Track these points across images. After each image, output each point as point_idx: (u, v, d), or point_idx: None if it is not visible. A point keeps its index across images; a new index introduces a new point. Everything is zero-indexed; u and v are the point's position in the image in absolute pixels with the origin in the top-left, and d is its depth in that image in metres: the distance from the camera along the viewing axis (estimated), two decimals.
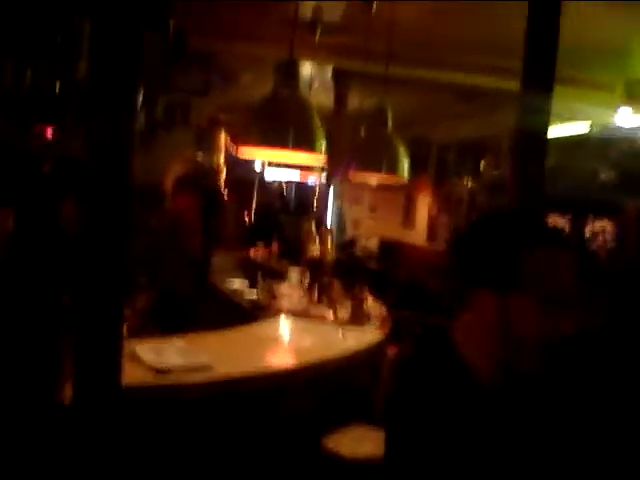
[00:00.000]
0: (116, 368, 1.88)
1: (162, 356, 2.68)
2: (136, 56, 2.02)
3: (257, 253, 7.13)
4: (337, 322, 3.62)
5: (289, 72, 3.14)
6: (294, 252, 6.51)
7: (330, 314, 4.01)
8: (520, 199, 2.02)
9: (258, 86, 3.34)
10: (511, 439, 1.16)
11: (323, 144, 3.16)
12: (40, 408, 1.99)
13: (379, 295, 5.84)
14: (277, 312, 4.17)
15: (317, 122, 3.24)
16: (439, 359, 1.19)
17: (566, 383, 1.29)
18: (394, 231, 10.06)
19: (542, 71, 1.91)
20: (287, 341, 3.41)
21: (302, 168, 8.61)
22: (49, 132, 4.79)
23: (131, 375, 2.42)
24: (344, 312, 3.67)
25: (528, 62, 1.93)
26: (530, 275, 1.13)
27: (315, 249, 4.91)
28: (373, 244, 9.96)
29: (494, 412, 1.16)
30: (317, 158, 3.18)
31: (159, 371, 2.51)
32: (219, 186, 9.12)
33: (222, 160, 9.31)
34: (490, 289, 1.14)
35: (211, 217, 7.43)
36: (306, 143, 3.11)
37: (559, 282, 1.13)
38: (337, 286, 4.57)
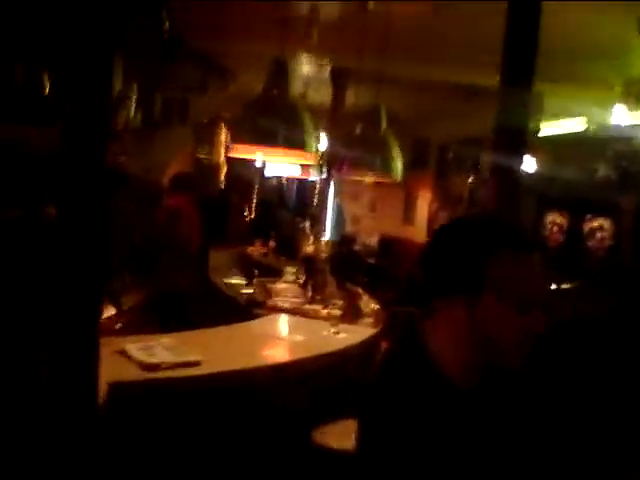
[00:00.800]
0: (92, 365, 1.88)
1: (151, 353, 2.69)
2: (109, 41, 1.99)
3: (255, 250, 7.14)
4: (330, 319, 3.62)
5: (279, 71, 3.14)
6: (290, 249, 6.53)
7: (323, 311, 4.02)
8: (499, 195, 2.02)
9: (258, 84, 3.34)
10: (488, 439, 1.17)
11: (314, 143, 3.17)
12: (19, 407, 1.99)
13: (377, 291, 5.85)
14: (272, 309, 4.18)
15: (308, 121, 3.24)
16: (414, 361, 1.19)
17: (543, 379, 1.30)
18: (394, 228, 10.06)
19: (521, 69, 1.91)
20: (280, 337, 3.42)
21: (300, 164, 8.61)
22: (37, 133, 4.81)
23: (121, 372, 2.45)
24: (338, 309, 3.68)
25: (507, 60, 1.93)
26: (497, 279, 1.13)
27: (310, 246, 4.92)
28: (373, 241, 9.97)
29: (470, 414, 1.16)
30: (307, 156, 3.19)
31: (148, 367, 2.52)
32: (219, 183, 9.14)
33: (223, 157, 9.33)
34: (458, 295, 1.15)
35: (210, 214, 7.47)
36: (295, 142, 3.12)
37: (527, 283, 1.13)
38: (331, 283, 4.58)
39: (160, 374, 2.53)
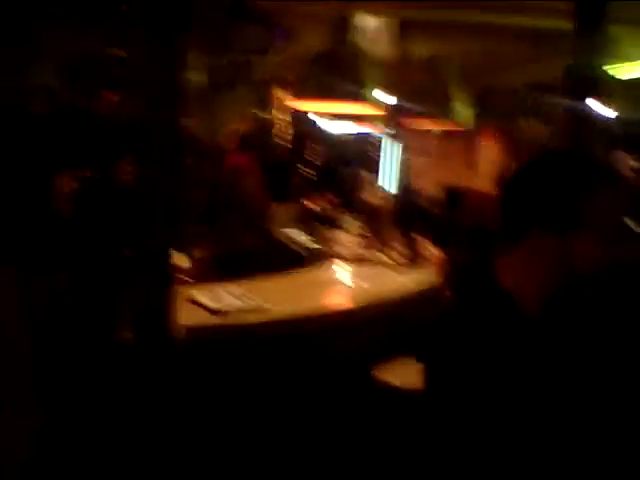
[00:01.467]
0: (168, 309, 2.02)
1: (219, 299, 2.82)
2: (184, 13, 2.10)
3: (318, 203, 7.18)
4: (392, 265, 3.66)
5: (341, 27, 3.15)
6: (355, 202, 6.53)
7: (385, 258, 4.06)
8: (572, 141, 2.00)
9: (319, 43, 3.37)
10: (554, 368, 1.20)
11: (378, 95, 3.18)
12: (103, 347, 2.16)
13: (443, 240, 5.80)
14: (332, 258, 4.25)
15: (372, 74, 3.25)
16: (482, 290, 1.23)
17: (616, 314, 1.32)
18: (460, 178, 9.88)
19: (595, 11, 1.86)
20: (341, 284, 3.50)
21: (362, 118, 8.53)
22: (113, 98, 4.98)
23: (190, 317, 2.59)
24: (399, 256, 3.71)
25: (580, 2, 1.88)
26: (592, 212, 1.16)
27: (374, 198, 4.93)
28: (439, 192, 9.82)
29: (538, 341, 1.20)
30: (372, 109, 3.20)
31: (216, 312, 2.66)
32: (282, 142, 9.20)
33: (287, 117, 9.36)
34: (544, 227, 1.18)
35: (273, 172, 7.55)
36: (359, 95, 3.15)
37: (614, 218, 1.17)
38: (395, 233, 4.60)
39: (228, 319, 2.65)
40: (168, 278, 2.12)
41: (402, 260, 3.65)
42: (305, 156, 9.82)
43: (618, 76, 6.01)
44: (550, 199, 1.17)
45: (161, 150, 2.11)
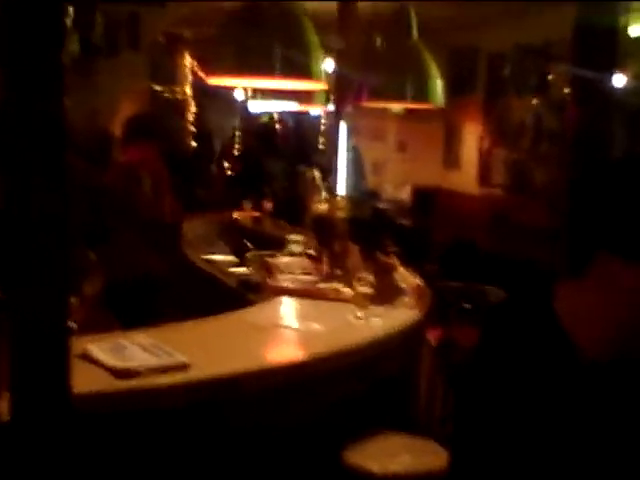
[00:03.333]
0: (63, 372, 1.99)
1: (124, 355, 2.80)
2: None
3: (244, 215, 7.25)
4: (356, 300, 3.73)
5: None
6: (294, 210, 6.60)
7: (346, 290, 4.12)
8: (584, 117, 2.10)
9: None
10: (605, 426, 1.25)
11: (322, 65, 3.24)
12: None
13: (415, 261, 5.92)
14: (275, 291, 4.29)
15: (313, 37, 3.30)
16: (534, 320, 1.28)
17: None
18: (432, 174, 10.08)
19: None
20: (290, 328, 3.53)
21: (300, 96, 8.62)
22: None
23: (84, 381, 2.55)
24: (365, 286, 3.78)
25: None
26: None
27: (321, 204, 5.01)
28: (404, 194, 10.03)
29: (595, 390, 1.25)
30: (311, 83, 3.26)
31: (120, 374, 2.64)
32: (188, 127, 9.22)
33: (189, 92, 9.37)
34: (618, 253, 1.22)
35: (180, 170, 7.55)
36: (298, 67, 3.19)
37: None
38: (354, 252, 4.68)
39: (139, 382, 2.64)
40: (59, 327, 2.09)
41: (366, 290, 3.72)
42: (221, 148, 9.90)
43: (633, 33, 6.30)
44: (626, 217, 1.22)
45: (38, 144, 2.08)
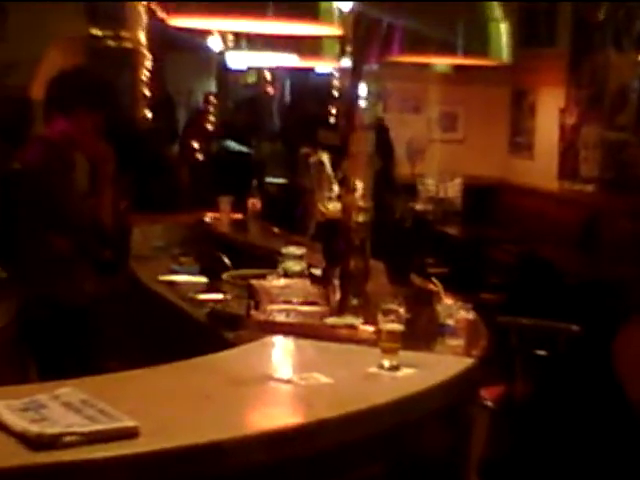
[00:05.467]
0: None
1: (42, 416, 2.81)
2: None
3: (221, 217, 7.26)
4: (380, 342, 3.73)
5: None
6: (290, 213, 6.59)
7: (365, 327, 4.13)
8: None
9: None
10: None
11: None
12: None
13: (468, 287, 5.92)
14: (262, 328, 4.30)
15: None
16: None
17: None
18: (493, 163, 10.05)
19: None
20: (283, 382, 3.53)
21: (302, 46, 8.60)
22: None
23: None
24: (394, 322, 3.78)
25: None
26: None
27: (331, 203, 5.00)
28: (453, 190, 10.01)
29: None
30: (321, 27, 3.28)
31: (37, 443, 2.64)
32: (140, 90, 9.25)
33: (143, 39, 9.38)
34: None
35: (129, 151, 7.58)
36: (299, 2, 3.22)
37: None
38: (378, 273, 4.68)
39: (64, 454, 2.65)
40: None
41: (395, 328, 3.73)
42: (188, 122, 9.87)
43: None
44: None
45: None
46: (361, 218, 4.54)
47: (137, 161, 8.46)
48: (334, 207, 4.90)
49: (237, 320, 4.55)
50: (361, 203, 4.58)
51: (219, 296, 5.26)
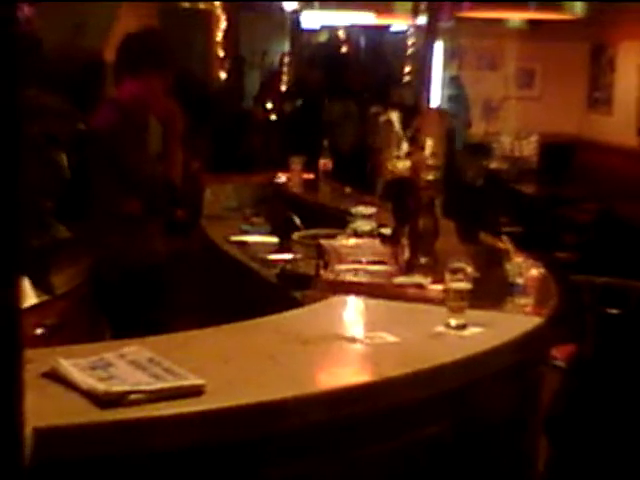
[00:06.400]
0: (10, 397, 2.03)
1: (111, 375, 2.85)
2: None
3: (291, 178, 7.27)
4: (448, 301, 3.72)
5: None
6: (362, 170, 6.57)
7: (434, 286, 4.13)
8: None
9: None
10: None
11: None
12: None
13: (542, 246, 5.88)
14: (331, 287, 4.32)
15: None
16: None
17: None
18: (571, 120, 9.94)
19: None
20: (350, 340, 3.55)
21: (377, 4, 8.57)
22: None
23: (51, 410, 2.62)
24: (462, 281, 3.77)
25: None
26: None
27: (401, 161, 4.99)
28: (529, 148, 9.92)
29: None
30: None
31: (104, 400, 2.69)
32: (214, 51, 9.27)
33: (217, 1, 9.39)
34: None
35: (202, 112, 7.61)
36: None
37: None
38: (448, 232, 4.66)
39: (131, 412, 2.69)
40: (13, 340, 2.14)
41: (464, 287, 3.72)
42: (265, 81, 9.86)
43: None
44: None
45: None
46: (430, 176, 4.53)
47: (210, 122, 8.51)
48: (403, 165, 4.89)
49: (306, 280, 4.57)
50: (430, 161, 4.56)
51: (289, 256, 5.28)
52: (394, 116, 5.47)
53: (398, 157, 5.03)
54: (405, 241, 4.57)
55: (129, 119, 5.00)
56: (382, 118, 5.56)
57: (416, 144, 4.73)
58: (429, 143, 4.62)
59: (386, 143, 5.33)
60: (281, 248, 5.57)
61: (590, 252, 7.50)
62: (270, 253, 5.51)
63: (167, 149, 5.15)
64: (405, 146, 5.07)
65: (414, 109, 6.14)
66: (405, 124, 6.03)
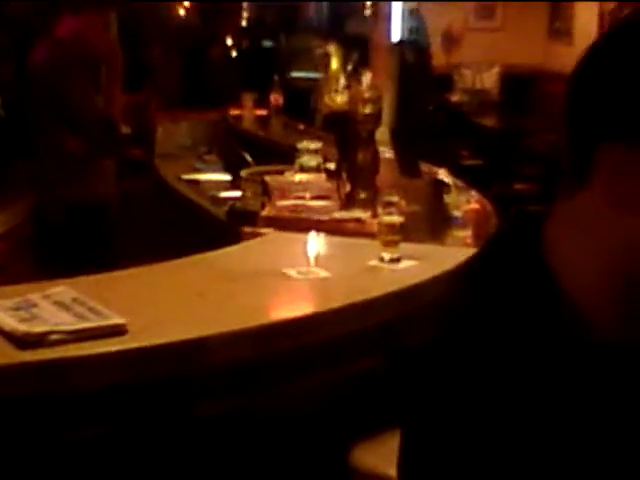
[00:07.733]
0: None
1: (34, 315, 2.85)
2: None
3: (243, 114, 7.25)
4: (384, 234, 3.72)
5: None
6: (311, 105, 6.53)
7: (372, 220, 4.13)
8: None
9: None
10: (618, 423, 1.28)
11: None
12: None
13: (501, 178, 5.86)
14: (275, 222, 4.35)
15: None
16: (519, 279, 1.30)
17: None
18: (531, 51, 9.88)
19: None
20: (284, 275, 3.55)
21: None
22: None
23: None
24: (398, 213, 3.76)
25: None
26: None
27: (339, 96, 4.97)
28: (490, 81, 9.89)
29: (600, 382, 1.27)
30: None
31: (24, 341, 2.70)
32: None
33: None
34: (619, 137, 1.22)
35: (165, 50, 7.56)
36: None
37: None
38: (388, 164, 4.65)
39: (51, 352, 2.69)
40: None
41: (396, 220, 3.72)
42: (217, 19, 9.77)
43: None
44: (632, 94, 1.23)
45: None
46: (368, 109, 4.50)
47: (173, 59, 8.48)
48: (341, 99, 4.87)
49: (253, 216, 4.56)
50: (367, 94, 4.53)
51: (239, 193, 5.27)
52: (332, 49, 5.44)
53: (336, 91, 5.00)
54: (345, 175, 4.57)
55: (69, 56, 4.96)
56: (319, 51, 5.52)
57: (356, 77, 4.71)
58: (367, 75, 4.59)
59: (324, 77, 5.31)
60: (233, 186, 5.55)
61: (549, 184, 7.50)
62: (222, 191, 5.49)
63: (107, 86, 5.12)
64: (342, 79, 5.04)
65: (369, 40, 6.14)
66: (359, 58, 6.02)
